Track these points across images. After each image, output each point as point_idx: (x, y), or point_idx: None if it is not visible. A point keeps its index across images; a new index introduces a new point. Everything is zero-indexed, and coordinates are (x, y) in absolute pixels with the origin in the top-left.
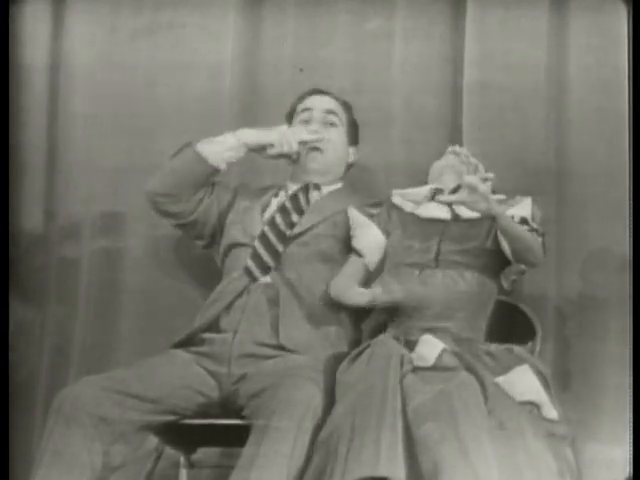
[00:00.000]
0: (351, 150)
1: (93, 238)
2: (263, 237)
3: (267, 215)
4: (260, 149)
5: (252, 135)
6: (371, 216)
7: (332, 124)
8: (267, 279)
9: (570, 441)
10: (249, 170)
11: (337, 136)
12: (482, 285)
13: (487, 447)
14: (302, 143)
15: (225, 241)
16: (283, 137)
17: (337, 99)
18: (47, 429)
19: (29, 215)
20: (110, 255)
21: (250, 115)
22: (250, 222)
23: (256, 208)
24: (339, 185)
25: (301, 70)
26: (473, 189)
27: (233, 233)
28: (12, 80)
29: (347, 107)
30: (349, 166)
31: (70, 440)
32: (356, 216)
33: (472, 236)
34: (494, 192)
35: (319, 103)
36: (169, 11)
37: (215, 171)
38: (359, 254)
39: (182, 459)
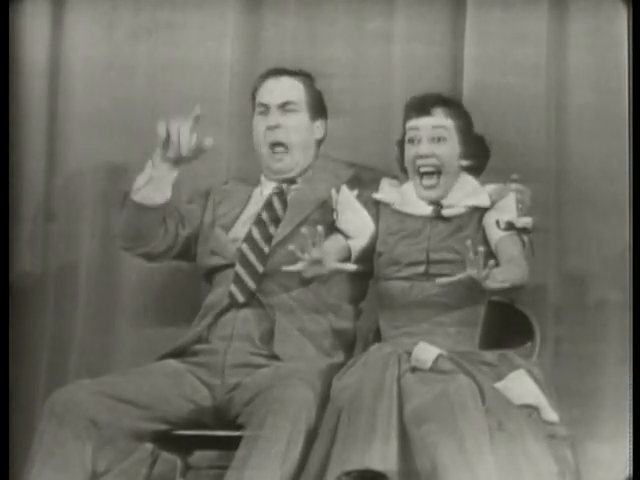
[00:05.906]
0: (317, 125)
1: (93, 239)
2: (243, 258)
3: (237, 229)
4: (181, 158)
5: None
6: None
7: (290, 111)
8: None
9: (570, 442)
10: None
11: (298, 122)
12: (472, 295)
13: (485, 447)
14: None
15: (202, 268)
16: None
17: (294, 76)
18: (40, 428)
19: (28, 216)
20: (110, 256)
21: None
22: (215, 243)
23: (216, 227)
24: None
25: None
26: (473, 281)
27: (205, 260)
28: (12, 79)
29: (306, 81)
30: (319, 142)
31: (62, 441)
32: (347, 196)
33: (460, 238)
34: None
35: (273, 97)
36: (168, 10)
37: (163, 206)
38: (345, 235)
39: (179, 462)
